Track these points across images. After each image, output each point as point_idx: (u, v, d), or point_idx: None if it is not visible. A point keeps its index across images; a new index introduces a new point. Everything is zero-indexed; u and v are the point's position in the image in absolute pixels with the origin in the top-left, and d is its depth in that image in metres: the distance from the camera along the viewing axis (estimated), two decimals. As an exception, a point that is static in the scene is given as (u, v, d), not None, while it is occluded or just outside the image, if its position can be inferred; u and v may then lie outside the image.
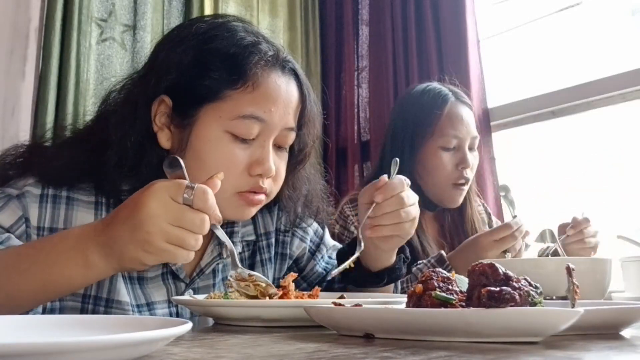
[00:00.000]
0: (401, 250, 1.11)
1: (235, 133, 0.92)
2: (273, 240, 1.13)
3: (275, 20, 2.89)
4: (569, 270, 0.66)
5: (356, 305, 0.69)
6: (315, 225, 1.21)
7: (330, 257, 1.23)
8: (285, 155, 1.01)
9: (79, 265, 0.77)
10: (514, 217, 1.34)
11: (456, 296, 0.64)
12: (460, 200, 1.60)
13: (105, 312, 0.94)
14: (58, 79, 2.13)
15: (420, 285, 0.66)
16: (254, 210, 0.97)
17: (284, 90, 0.95)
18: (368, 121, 2.79)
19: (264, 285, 0.87)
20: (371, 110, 2.76)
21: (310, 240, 1.20)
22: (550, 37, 2.36)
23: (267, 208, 1.12)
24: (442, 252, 1.41)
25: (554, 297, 0.87)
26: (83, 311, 0.94)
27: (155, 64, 0.97)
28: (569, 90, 2.15)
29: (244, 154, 0.92)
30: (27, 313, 0.82)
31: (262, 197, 0.96)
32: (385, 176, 1.00)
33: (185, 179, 0.77)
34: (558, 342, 0.59)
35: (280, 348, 0.57)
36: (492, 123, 2.27)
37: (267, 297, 0.86)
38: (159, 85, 0.93)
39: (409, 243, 1.54)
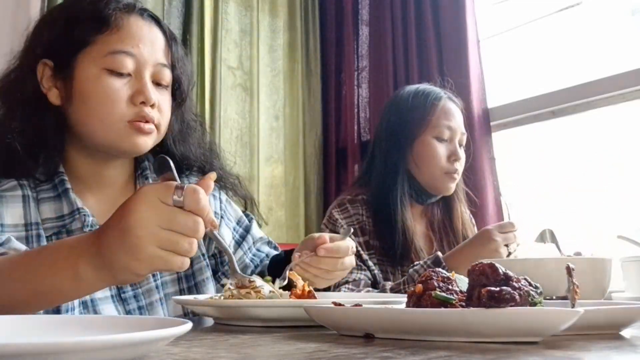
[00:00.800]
0: None
1: (110, 68, 1.00)
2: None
3: (275, 20, 2.89)
4: (569, 270, 0.66)
5: (356, 305, 0.69)
6: (239, 213, 1.26)
7: (258, 250, 1.25)
8: (166, 93, 1.09)
9: (69, 278, 0.75)
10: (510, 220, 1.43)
11: (456, 296, 0.64)
12: (453, 187, 1.67)
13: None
14: (58, 79, 2.13)
15: (420, 285, 0.67)
16: (149, 141, 1.04)
17: (147, 30, 1.06)
18: (368, 121, 2.79)
19: (264, 289, 0.86)
20: (371, 110, 2.76)
21: (234, 230, 1.23)
22: (550, 37, 2.36)
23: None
24: (439, 253, 1.43)
25: (554, 297, 0.87)
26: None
27: (30, 37, 1.09)
28: (569, 90, 2.15)
29: (124, 87, 1.01)
30: None
31: (151, 126, 1.03)
32: (332, 236, 1.05)
33: (175, 180, 0.75)
34: (558, 342, 0.59)
35: (280, 348, 0.57)
36: (492, 123, 2.27)
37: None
38: (36, 52, 1.05)
39: (405, 238, 1.58)
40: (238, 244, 1.23)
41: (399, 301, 0.81)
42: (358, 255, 1.55)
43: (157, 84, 1.06)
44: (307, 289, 0.89)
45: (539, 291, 0.61)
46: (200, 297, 0.94)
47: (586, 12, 2.29)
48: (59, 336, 0.56)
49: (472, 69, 2.29)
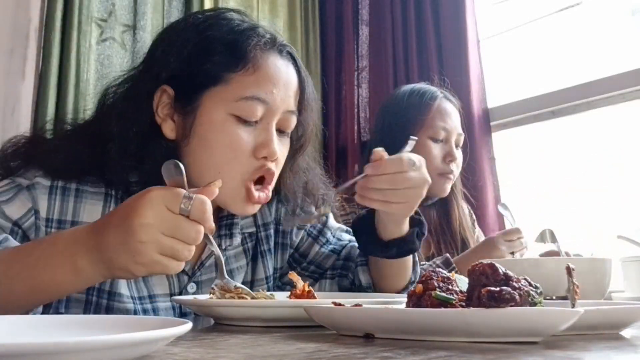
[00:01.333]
0: (419, 225, 1.07)
1: (239, 115, 0.92)
2: (272, 231, 1.13)
3: (275, 20, 2.89)
4: (569, 270, 0.66)
5: (356, 305, 0.69)
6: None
7: (339, 239, 1.20)
8: (287, 141, 1.01)
9: (67, 271, 0.74)
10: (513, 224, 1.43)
11: (456, 296, 0.64)
12: (448, 189, 1.66)
13: (108, 305, 0.94)
14: (58, 79, 2.13)
15: (420, 285, 0.66)
16: (257, 207, 0.98)
17: (284, 72, 0.96)
18: (368, 121, 2.79)
19: (249, 298, 0.85)
20: (371, 110, 2.76)
21: (311, 226, 1.19)
22: (550, 37, 2.36)
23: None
24: (448, 255, 1.43)
25: (554, 297, 0.87)
26: (87, 303, 0.94)
27: (154, 55, 0.98)
28: (569, 90, 2.15)
29: (249, 137, 0.93)
30: (26, 313, 0.82)
31: (266, 197, 0.96)
32: (381, 150, 0.96)
33: (184, 186, 0.74)
34: (558, 342, 0.59)
35: (280, 348, 0.57)
36: (492, 123, 2.27)
37: None
38: (159, 76, 0.94)
39: None
40: (314, 239, 1.18)
41: (399, 301, 0.81)
42: None
43: (280, 131, 0.98)
44: (307, 289, 0.89)
45: (539, 291, 0.61)
46: (200, 297, 0.94)
47: (586, 12, 2.29)
48: (59, 336, 0.56)
49: (472, 69, 2.29)
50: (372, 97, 2.76)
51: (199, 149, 0.93)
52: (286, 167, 1.05)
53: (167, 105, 0.95)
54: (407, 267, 1.10)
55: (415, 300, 0.65)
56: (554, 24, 2.34)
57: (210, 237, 0.82)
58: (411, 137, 1.04)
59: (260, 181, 0.96)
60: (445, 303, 0.63)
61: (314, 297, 0.88)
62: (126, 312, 0.95)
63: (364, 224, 1.08)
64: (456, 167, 1.65)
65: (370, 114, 2.77)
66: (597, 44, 2.28)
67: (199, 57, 0.93)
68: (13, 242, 0.87)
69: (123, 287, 0.95)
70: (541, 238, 1.40)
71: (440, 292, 0.64)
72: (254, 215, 1.11)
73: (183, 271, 1.01)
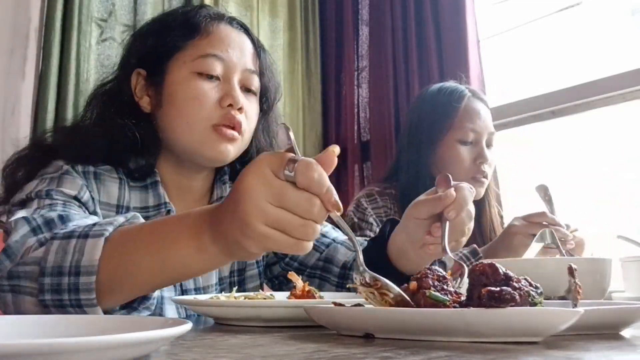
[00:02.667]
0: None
1: (199, 71, 1.03)
2: None
3: (275, 20, 2.89)
4: (571, 271, 0.66)
5: (356, 305, 0.69)
6: None
7: (323, 235, 1.17)
8: (253, 99, 1.10)
9: (193, 248, 0.70)
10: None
11: (450, 297, 0.63)
12: (482, 192, 1.59)
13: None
14: (58, 79, 2.13)
15: (414, 282, 0.65)
16: (231, 149, 1.04)
17: (236, 36, 1.09)
18: (368, 121, 2.79)
19: (391, 295, 0.67)
20: (371, 110, 2.76)
21: None
22: (550, 37, 2.36)
23: None
24: (475, 245, 1.40)
25: (553, 297, 0.87)
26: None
27: (126, 50, 1.13)
28: (569, 90, 2.15)
29: (213, 90, 1.03)
30: (140, 301, 0.80)
31: (234, 132, 1.03)
32: (451, 190, 0.87)
33: (295, 152, 0.66)
34: (558, 342, 0.59)
35: (280, 348, 0.57)
36: (492, 123, 2.27)
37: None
38: (130, 62, 1.09)
39: None
40: None
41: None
42: None
43: (246, 90, 1.08)
44: (307, 288, 0.89)
45: (539, 291, 0.61)
46: (200, 297, 0.94)
47: (586, 12, 2.29)
48: (59, 336, 0.56)
49: (472, 69, 2.29)
50: (372, 97, 2.76)
51: (169, 109, 1.04)
52: (258, 127, 1.13)
53: (143, 86, 1.07)
54: None
55: (410, 297, 0.64)
56: (554, 24, 2.34)
57: (340, 217, 0.67)
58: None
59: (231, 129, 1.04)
60: (439, 303, 0.61)
61: (314, 297, 0.88)
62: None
63: (376, 247, 1.02)
64: (489, 168, 1.59)
65: (370, 114, 2.77)
66: (597, 44, 2.28)
67: (159, 37, 1.08)
68: (140, 219, 0.84)
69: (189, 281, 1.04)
70: (541, 238, 1.40)
71: (434, 291, 0.63)
72: None
73: None
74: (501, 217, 1.78)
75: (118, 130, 1.03)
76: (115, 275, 0.74)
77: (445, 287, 0.65)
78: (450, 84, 1.69)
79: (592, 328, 0.65)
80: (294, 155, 0.64)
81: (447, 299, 0.62)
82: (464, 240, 0.90)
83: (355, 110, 2.86)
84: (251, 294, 0.91)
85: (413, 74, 2.50)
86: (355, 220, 1.59)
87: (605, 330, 0.67)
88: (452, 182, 0.89)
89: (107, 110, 1.06)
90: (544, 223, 1.34)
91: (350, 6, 2.90)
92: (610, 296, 1.20)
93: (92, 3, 2.26)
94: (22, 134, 2.01)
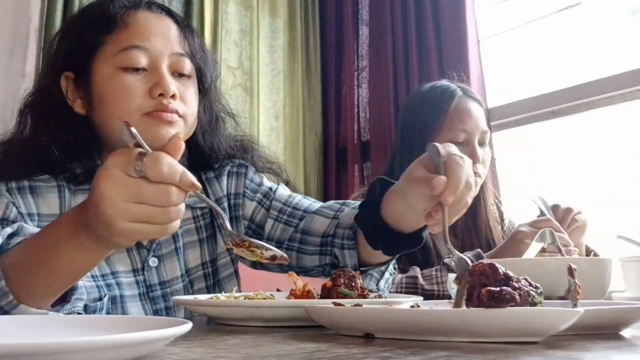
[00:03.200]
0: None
1: (123, 65, 0.99)
2: (225, 204, 1.16)
3: (275, 20, 2.89)
4: (570, 271, 0.66)
5: (356, 305, 0.69)
6: (269, 183, 1.20)
7: (294, 208, 1.16)
8: (189, 83, 1.05)
9: (75, 250, 0.74)
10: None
11: (356, 292, 0.83)
12: (475, 191, 1.59)
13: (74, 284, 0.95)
14: (58, 79, 2.13)
15: (330, 281, 0.85)
16: (170, 130, 0.98)
17: (157, 22, 1.04)
18: (368, 121, 2.79)
19: (259, 251, 0.77)
20: (371, 110, 2.76)
21: (264, 196, 1.17)
22: (550, 37, 2.36)
23: (215, 176, 1.17)
24: (479, 250, 1.40)
25: (553, 297, 0.87)
26: None
27: (50, 55, 1.11)
28: (569, 90, 2.15)
29: (140, 82, 0.99)
30: (51, 301, 0.82)
31: (173, 115, 0.99)
32: (441, 177, 0.83)
33: (141, 145, 0.68)
34: (558, 342, 0.59)
35: (280, 348, 0.57)
36: (492, 123, 2.26)
37: (268, 261, 0.78)
38: (56, 65, 1.05)
39: (421, 248, 1.53)
40: (266, 209, 1.16)
41: (399, 301, 0.81)
42: None
43: (179, 74, 1.03)
44: (307, 288, 0.89)
45: (539, 291, 0.61)
46: (200, 297, 0.94)
47: (586, 12, 2.29)
48: (59, 336, 0.56)
49: (472, 69, 2.29)
50: (372, 97, 2.76)
51: (101, 108, 1.00)
52: (200, 109, 1.09)
53: (74, 89, 1.04)
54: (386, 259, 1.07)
55: (326, 293, 0.84)
56: (554, 24, 2.34)
57: (201, 195, 0.73)
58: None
59: None
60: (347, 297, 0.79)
61: (314, 297, 0.88)
62: (92, 288, 0.97)
63: (368, 215, 0.99)
64: (482, 167, 1.56)
65: (370, 114, 2.77)
66: (597, 44, 2.28)
67: (78, 35, 1.03)
68: (29, 229, 0.88)
69: None
70: (541, 238, 1.40)
71: (344, 287, 0.82)
72: (206, 193, 1.13)
73: (142, 245, 1.04)
74: (502, 217, 1.77)
75: (54, 138, 1.00)
76: (23, 283, 0.78)
77: (353, 284, 0.84)
78: (442, 83, 1.67)
79: (592, 328, 0.65)
80: (141, 149, 0.66)
81: (353, 293, 0.82)
82: (464, 210, 0.89)
83: (355, 110, 2.86)
84: (251, 294, 0.91)
85: (413, 74, 2.50)
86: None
87: (605, 330, 0.67)
88: (442, 153, 0.87)
89: (41, 119, 1.04)
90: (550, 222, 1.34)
91: (350, 6, 2.90)
92: (610, 296, 1.20)
93: (92, 3, 2.26)
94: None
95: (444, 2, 2.43)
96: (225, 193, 1.17)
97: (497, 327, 0.56)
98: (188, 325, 0.50)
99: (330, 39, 3.00)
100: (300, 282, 0.90)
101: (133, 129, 0.69)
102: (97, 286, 0.98)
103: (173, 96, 0.99)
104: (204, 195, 0.75)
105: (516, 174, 2.35)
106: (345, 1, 2.93)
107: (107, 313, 0.98)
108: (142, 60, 0.99)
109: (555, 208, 1.45)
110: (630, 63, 2.01)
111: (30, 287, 0.78)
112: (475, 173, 1.54)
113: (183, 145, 0.69)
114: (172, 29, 1.05)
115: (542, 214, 1.45)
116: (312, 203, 1.17)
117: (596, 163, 2.23)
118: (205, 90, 1.12)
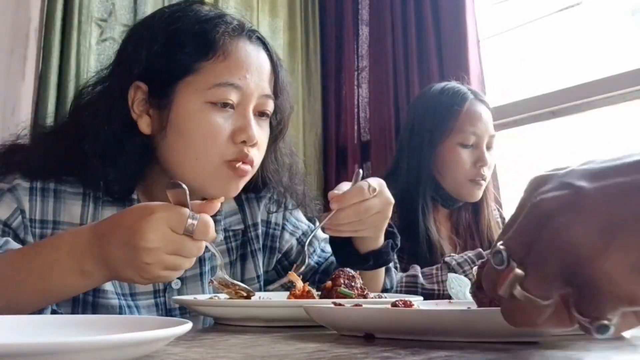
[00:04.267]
0: (392, 237, 1.11)
1: (213, 101, 0.93)
2: (260, 231, 1.14)
3: (275, 20, 2.89)
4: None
5: (356, 305, 0.69)
6: (306, 222, 1.23)
7: (323, 250, 1.22)
8: (266, 125, 1.01)
9: (76, 273, 0.76)
10: None
11: (356, 292, 0.83)
12: (479, 194, 1.60)
13: (94, 302, 0.95)
14: (58, 79, 2.13)
15: (330, 281, 0.85)
16: (240, 184, 0.98)
17: (255, 57, 0.98)
18: (368, 121, 2.79)
19: (245, 294, 0.88)
20: (371, 110, 2.76)
21: (303, 233, 1.21)
22: (550, 37, 2.36)
23: (255, 197, 1.14)
24: (480, 249, 1.40)
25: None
26: (75, 300, 0.94)
27: (126, 52, 0.99)
28: (569, 90, 2.15)
29: (226, 122, 0.94)
30: (37, 312, 0.82)
31: (248, 167, 0.96)
32: (344, 184, 1.00)
33: (187, 204, 0.73)
34: (558, 342, 0.59)
35: (280, 348, 0.57)
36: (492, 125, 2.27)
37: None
38: (132, 73, 0.95)
39: (429, 240, 1.54)
40: (303, 246, 1.16)
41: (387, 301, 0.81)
42: None
43: (260, 113, 0.99)
44: (306, 289, 0.89)
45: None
46: (200, 297, 0.94)
47: (586, 12, 2.29)
48: (59, 336, 0.56)
49: (472, 69, 2.29)
50: (372, 97, 2.76)
51: (176, 140, 0.93)
52: (268, 153, 1.06)
53: (142, 101, 0.95)
54: (381, 275, 1.14)
55: (325, 294, 0.84)
56: (554, 24, 2.34)
57: (211, 244, 0.84)
58: (357, 170, 1.08)
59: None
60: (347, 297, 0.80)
61: (314, 297, 0.88)
62: (112, 308, 0.95)
63: (341, 238, 1.08)
64: (488, 171, 1.60)
65: (370, 114, 2.77)
66: (597, 44, 2.28)
67: (169, 50, 0.94)
68: (14, 244, 0.87)
69: (108, 284, 0.95)
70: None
71: (344, 287, 0.82)
72: (243, 214, 1.13)
73: None
74: (503, 218, 1.78)
75: (102, 147, 0.93)
76: (4, 295, 0.77)
77: (352, 284, 0.84)
78: (453, 84, 1.68)
79: (592, 328, 0.65)
80: (190, 212, 0.73)
81: (353, 293, 0.82)
82: (368, 231, 1.01)
83: (355, 110, 2.86)
84: (249, 289, 0.91)
85: (413, 74, 2.50)
86: None
87: (605, 330, 0.67)
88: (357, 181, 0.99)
89: (93, 122, 0.94)
90: None
91: (350, 6, 2.90)
92: (610, 296, 1.20)
93: (92, 3, 2.26)
94: (22, 134, 2.00)
95: (444, 2, 2.43)
96: (261, 220, 1.14)
97: (497, 327, 0.56)
98: (188, 325, 0.50)
99: (330, 39, 3.00)
100: (300, 282, 0.90)
101: (186, 188, 0.73)
102: (120, 306, 0.96)
103: (254, 144, 0.95)
104: (212, 245, 0.85)
105: (516, 174, 2.35)
106: (345, 1, 2.93)
107: None
108: (234, 97, 0.94)
109: None
110: (630, 63, 2.01)
111: (14, 301, 0.78)
112: (482, 177, 1.56)
113: (218, 206, 0.79)
114: (266, 66, 1.00)
115: None
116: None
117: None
118: (277, 134, 1.08)
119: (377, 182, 1.00)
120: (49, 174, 0.94)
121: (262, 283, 1.14)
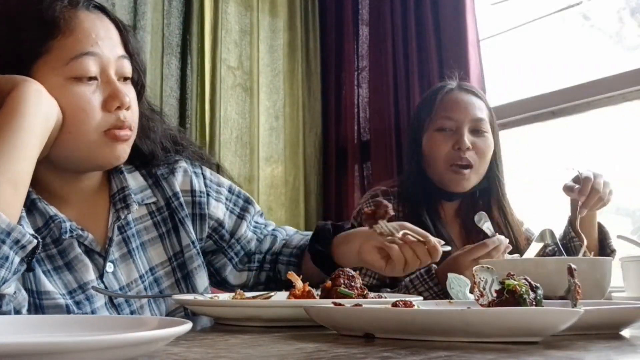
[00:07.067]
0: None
1: (75, 75, 0.93)
2: (182, 200, 1.13)
3: (275, 20, 2.89)
4: (570, 271, 0.66)
5: (356, 305, 0.69)
6: (226, 182, 1.22)
7: (257, 222, 1.24)
8: (130, 86, 1.01)
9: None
10: (493, 235, 1.31)
11: (356, 291, 0.84)
12: (465, 184, 1.55)
13: (41, 304, 0.92)
14: (58, 79, 2.12)
15: (330, 281, 0.86)
16: (126, 148, 0.98)
17: (100, 24, 0.97)
18: (368, 121, 2.79)
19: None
20: (371, 110, 2.76)
21: (227, 199, 1.20)
22: (551, 37, 2.36)
23: (169, 171, 1.14)
24: (434, 265, 1.36)
25: (553, 297, 0.87)
26: (29, 305, 0.90)
27: None
28: (569, 90, 2.15)
29: (94, 94, 0.94)
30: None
31: (127, 132, 0.97)
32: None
33: None
34: (558, 342, 0.59)
35: (280, 348, 0.57)
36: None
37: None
38: None
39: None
40: (240, 217, 1.21)
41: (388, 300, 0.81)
42: None
43: (124, 79, 0.99)
44: (307, 289, 0.89)
45: (539, 291, 0.61)
46: (200, 297, 0.94)
47: (586, 12, 2.29)
48: (59, 336, 0.56)
49: (472, 69, 2.29)
50: (372, 97, 2.76)
51: None
52: (140, 115, 1.04)
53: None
54: None
55: (325, 293, 0.84)
56: (554, 24, 2.34)
57: None
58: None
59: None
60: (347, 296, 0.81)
61: (314, 297, 0.88)
62: (59, 307, 0.93)
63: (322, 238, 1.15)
64: (475, 157, 1.55)
65: (370, 114, 2.77)
66: (597, 44, 2.28)
67: (15, 40, 0.94)
68: None
69: (48, 285, 0.94)
70: (541, 238, 1.40)
71: (344, 287, 0.82)
72: (160, 185, 1.12)
73: (96, 253, 1.00)
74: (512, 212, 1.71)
75: None
76: None
77: (352, 284, 0.85)
78: (445, 81, 1.71)
79: (592, 328, 0.65)
80: None
81: (353, 293, 0.83)
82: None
83: (355, 110, 2.86)
84: (249, 294, 0.91)
85: (413, 74, 2.50)
86: (355, 225, 1.56)
87: (605, 330, 0.67)
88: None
89: None
90: (490, 252, 1.28)
91: (350, 6, 2.90)
92: (610, 296, 1.20)
93: (92, 3, 2.26)
94: None
95: (444, 2, 2.43)
96: (180, 189, 1.14)
97: (497, 327, 0.56)
98: (188, 325, 0.50)
99: (330, 39, 3.00)
100: (300, 282, 0.90)
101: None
102: (66, 305, 0.94)
103: (128, 107, 0.96)
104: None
105: (516, 174, 2.35)
106: (345, 1, 2.93)
107: None
108: (93, 69, 0.94)
109: (578, 179, 1.45)
110: (630, 63, 2.01)
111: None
112: (464, 162, 1.52)
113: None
114: (112, 28, 1.00)
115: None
116: (268, 222, 1.29)
117: (596, 163, 2.23)
118: (140, 90, 1.07)
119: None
120: None
121: (198, 249, 1.12)
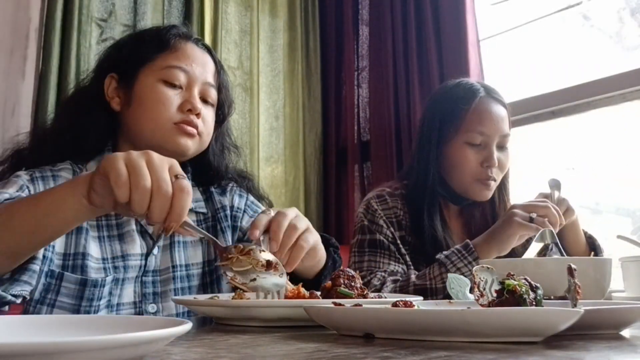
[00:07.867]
0: (328, 244, 1.17)
1: (165, 79, 1.17)
2: (228, 212, 1.31)
3: (275, 20, 2.89)
4: (570, 271, 0.66)
5: (356, 305, 0.69)
6: (258, 206, 1.37)
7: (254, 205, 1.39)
8: (211, 110, 1.24)
9: (73, 195, 0.83)
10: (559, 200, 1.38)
11: (356, 292, 0.84)
12: (488, 194, 1.56)
13: (82, 266, 1.06)
14: (58, 79, 2.13)
15: (330, 282, 0.86)
16: (191, 144, 1.18)
17: (200, 55, 1.24)
18: (368, 121, 2.79)
19: (255, 261, 0.86)
20: (371, 110, 2.76)
21: (256, 213, 1.35)
22: (551, 37, 2.36)
23: (220, 192, 1.33)
24: (468, 240, 1.38)
25: (553, 297, 0.87)
26: (64, 267, 1.06)
27: (100, 59, 1.28)
28: (569, 90, 2.15)
29: (176, 97, 1.17)
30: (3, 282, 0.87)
31: (193, 129, 1.17)
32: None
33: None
34: (558, 342, 0.59)
35: (280, 348, 0.57)
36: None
37: (261, 266, 0.86)
38: (104, 68, 1.23)
39: (434, 237, 1.53)
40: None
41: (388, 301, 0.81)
42: (397, 249, 1.51)
43: (204, 100, 1.22)
44: (300, 291, 0.89)
45: (539, 291, 0.61)
46: (200, 297, 0.94)
47: (586, 12, 2.29)
48: (59, 336, 0.56)
49: (472, 69, 2.29)
50: (372, 97, 2.76)
51: (137, 109, 1.17)
52: (213, 136, 1.27)
53: (114, 88, 1.21)
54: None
55: (325, 293, 0.85)
56: (554, 24, 2.34)
57: (192, 225, 0.84)
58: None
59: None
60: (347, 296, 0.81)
61: (314, 297, 0.88)
62: (95, 269, 1.07)
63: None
64: (499, 171, 1.55)
65: (370, 114, 2.78)
66: (597, 44, 2.28)
67: (134, 47, 1.22)
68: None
69: (93, 249, 1.10)
70: (541, 238, 1.40)
71: (344, 287, 0.83)
72: (211, 200, 1.31)
73: (148, 234, 1.18)
74: None
75: (84, 126, 1.17)
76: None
77: (352, 284, 0.85)
78: (467, 80, 1.64)
79: (592, 328, 0.65)
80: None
81: (353, 293, 0.83)
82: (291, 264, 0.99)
83: (355, 110, 2.86)
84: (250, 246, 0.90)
85: (413, 74, 2.50)
86: (365, 222, 1.55)
87: (605, 330, 0.67)
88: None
89: (76, 109, 1.20)
90: (544, 205, 1.35)
91: (350, 6, 2.90)
92: (610, 296, 1.20)
93: (92, 3, 2.26)
94: (22, 134, 2.01)
95: (444, 2, 2.43)
96: (228, 205, 1.32)
97: (497, 327, 0.56)
98: (188, 325, 0.50)
99: (330, 39, 3.00)
100: (290, 285, 0.90)
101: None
102: (104, 268, 1.10)
103: (198, 114, 1.18)
104: (193, 225, 0.86)
105: (516, 174, 2.35)
106: (345, 1, 2.93)
107: (109, 292, 1.08)
108: (181, 79, 1.18)
109: (549, 196, 1.47)
110: (630, 63, 2.01)
111: (5, 232, 0.84)
112: (489, 178, 1.52)
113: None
114: (210, 64, 1.26)
115: (546, 195, 1.45)
116: None
117: (596, 163, 2.23)
118: (221, 120, 1.30)
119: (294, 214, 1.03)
120: (42, 162, 1.15)
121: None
